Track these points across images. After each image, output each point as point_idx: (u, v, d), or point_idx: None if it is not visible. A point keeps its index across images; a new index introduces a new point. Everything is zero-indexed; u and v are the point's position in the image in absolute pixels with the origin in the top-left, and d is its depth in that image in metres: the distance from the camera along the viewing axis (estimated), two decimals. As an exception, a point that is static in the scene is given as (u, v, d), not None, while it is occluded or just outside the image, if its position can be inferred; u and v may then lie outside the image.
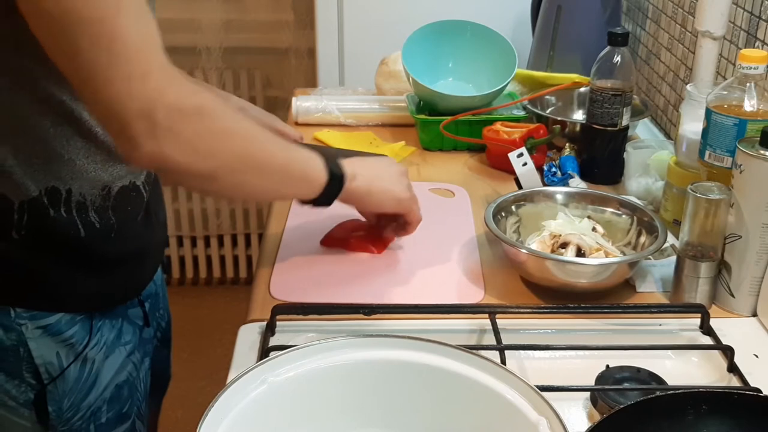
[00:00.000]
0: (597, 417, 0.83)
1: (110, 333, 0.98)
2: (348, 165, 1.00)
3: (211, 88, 0.97)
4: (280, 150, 0.93)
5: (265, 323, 0.96)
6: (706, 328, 0.97)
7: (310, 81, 2.48)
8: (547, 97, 1.58)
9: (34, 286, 0.90)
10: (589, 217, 1.13)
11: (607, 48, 1.31)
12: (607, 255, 1.05)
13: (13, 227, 0.86)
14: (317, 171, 0.97)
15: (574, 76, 1.59)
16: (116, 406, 1.00)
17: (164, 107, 0.78)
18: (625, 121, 1.34)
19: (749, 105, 1.03)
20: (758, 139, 0.96)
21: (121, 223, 0.93)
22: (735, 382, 0.89)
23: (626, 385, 0.86)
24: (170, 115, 0.79)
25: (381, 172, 1.06)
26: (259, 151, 0.90)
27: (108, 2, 0.74)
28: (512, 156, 1.30)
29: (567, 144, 1.41)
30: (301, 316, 0.97)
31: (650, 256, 1.06)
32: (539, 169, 1.35)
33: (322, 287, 1.06)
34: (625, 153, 1.35)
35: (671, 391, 0.80)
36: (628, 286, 1.07)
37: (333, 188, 0.98)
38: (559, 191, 1.19)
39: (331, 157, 0.99)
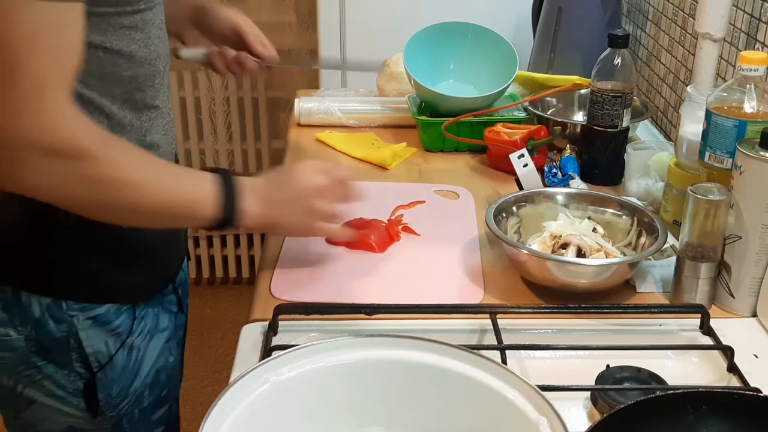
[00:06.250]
0: (597, 416, 0.83)
1: (151, 321, 1.02)
2: (250, 197, 0.94)
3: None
4: (167, 190, 0.89)
5: (267, 323, 0.96)
6: (706, 329, 0.98)
7: (312, 82, 2.48)
8: (547, 98, 1.59)
9: (85, 280, 0.95)
10: (589, 218, 1.14)
11: (608, 50, 1.32)
12: (607, 256, 1.05)
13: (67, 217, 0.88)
14: (208, 209, 0.91)
15: (575, 78, 1.59)
16: (156, 390, 1.04)
17: (41, 146, 0.78)
18: (625, 123, 1.35)
19: (749, 106, 1.03)
20: (758, 140, 0.96)
21: None
22: (735, 382, 0.90)
23: (626, 384, 0.86)
24: (45, 155, 0.79)
25: (286, 198, 0.99)
26: (140, 197, 0.86)
27: (23, 31, 0.75)
28: (513, 157, 1.31)
29: (567, 145, 1.42)
30: (303, 316, 0.98)
31: (650, 257, 1.06)
32: (540, 170, 1.35)
33: (324, 287, 1.07)
34: (625, 154, 1.36)
35: (671, 391, 0.80)
36: (628, 286, 1.07)
37: (226, 225, 0.94)
38: (559, 192, 1.19)
39: (231, 189, 0.93)
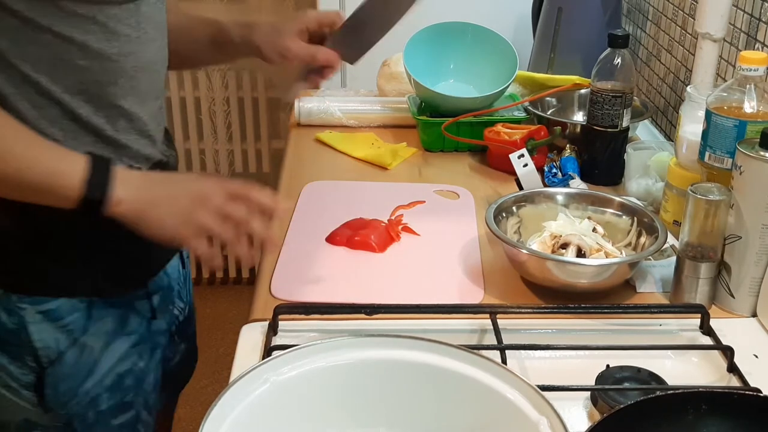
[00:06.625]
0: (597, 416, 0.83)
1: (112, 322, 0.99)
2: (124, 183, 0.88)
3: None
4: (25, 157, 0.85)
5: (267, 323, 0.96)
6: (706, 329, 0.98)
7: (312, 82, 2.49)
8: (547, 98, 1.59)
9: (34, 274, 0.93)
10: (589, 218, 1.14)
11: (608, 50, 1.32)
12: (607, 256, 1.05)
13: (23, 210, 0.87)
14: (72, 187, 0.86)
15: (575, 78, 1.59)
16: (118, 395, 1.01)
17: None
18: (625, 123, 1.35)
19: (749, 106, 1.03)
20: (758, 140, 0.96)
21: None
22: (735, 382, 0.90)
23: (626, 384, 0.86)
24: None
25: (164, 196, 0.91)
26: None
27: None
28: (513, 157, 1.31)
29: (567, 145, 1.42)
30: (303, 316, 0.98)
31: (650, 257, 1.06)
32: (540, 170, 1.35)
33: (324, 287, 1.07)
34: (625, 154, 1.36)
35: (671, 391, 0.80)
36: (628, 286, 1.07)
37: (92, 208, 0.88)
38: (559, 192, 1.19)
39: (104, 171, 0.87)
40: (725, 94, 1.05)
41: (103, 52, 0.89)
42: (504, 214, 1.13)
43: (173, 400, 1.26)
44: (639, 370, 0.88)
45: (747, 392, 0.81)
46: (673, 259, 1.05)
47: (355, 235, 1.16)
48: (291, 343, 0.85)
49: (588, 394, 0.86)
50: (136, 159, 0.97)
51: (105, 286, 0.98)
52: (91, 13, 0.87)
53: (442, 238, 1.19)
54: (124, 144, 0.95)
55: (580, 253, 1.05)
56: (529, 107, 1.55)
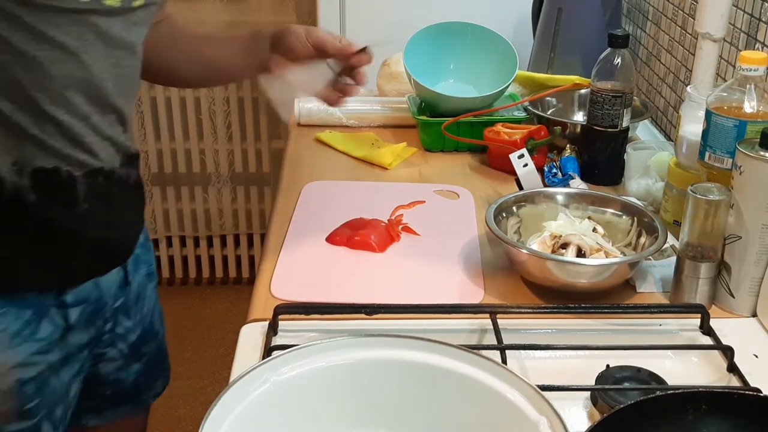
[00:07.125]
0: (597, 416, 0.83)
1: (16, 323, 0.94)
2: None
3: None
4: None
5: (267, 323, 0.96)
6: (706, 329, 0.98)
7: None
8: (547, 98, 1.59)
9: None
10: (589, 218, 1.14)
11: (608, 50, 1.32)
12: (607, 255, 1.05)
13: None
14: None
15: (575, 78, 1.59)
16: (17, 400, 0.97)
17: None
18: (625, 123, 1.35)
19: (749, 106, 1.03)
20: (758, 140, 0.96)
21: (39, 207, 0.91)
22: (735, 382, 0.90)
23: (626, 384, 0.86)
24: None
25: None
26: None
27: None
28: (513, 157, 1.31)
29: (568, 145, 1.42)
30: (303, 316, 0.98)
31: (650, 257, 1.06)
32: (540, 170, 1.35)
33: (324, 287, 1.07)
34: (625, 154, 1.36)
35: (671, 391, 0.80)
36: (628, 286, 1.07)
37: None
38: (559, 192, 1.20)
39: None
40: (725, 94, 1.05)
41: (27, 54, 0.85)
42: (504, 214, 1.13)
43: (140, 416, 1.23)
44: (639, 370, 0.88)
45: (747, 392, 0.81)
46: (673, 259, 1.05)
47: (355, 235, 1.17)
48: (291, 343, 0.85)
49: (588, 394, 0.86)
50: (68, 162, 0.92)
51: (5, 280, 0.93)
52: (16, 12, 0.83)
53: (442, 238, 1.19)
54: (50, 146, 0.90)
55: (580, 253, 1.05)
56: (529, 107, 1.55)
